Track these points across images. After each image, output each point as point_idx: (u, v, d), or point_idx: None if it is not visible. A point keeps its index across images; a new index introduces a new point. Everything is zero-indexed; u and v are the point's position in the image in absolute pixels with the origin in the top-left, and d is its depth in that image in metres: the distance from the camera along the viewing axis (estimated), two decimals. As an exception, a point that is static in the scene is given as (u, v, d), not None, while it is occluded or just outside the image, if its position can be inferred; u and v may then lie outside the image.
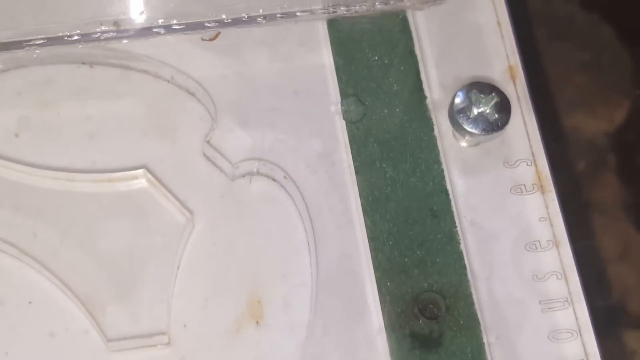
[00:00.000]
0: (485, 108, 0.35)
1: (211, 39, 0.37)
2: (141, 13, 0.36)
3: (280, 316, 0.33)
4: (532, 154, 0.36)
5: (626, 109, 0.47)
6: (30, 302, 0.33)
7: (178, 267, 0.34)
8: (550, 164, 0.36)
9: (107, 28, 0.36)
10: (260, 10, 0.37)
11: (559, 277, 0.33)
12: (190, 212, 0.34)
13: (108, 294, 0.33)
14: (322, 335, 0.32)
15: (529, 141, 0.36)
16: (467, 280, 0.33)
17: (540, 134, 0.36)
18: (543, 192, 0.35)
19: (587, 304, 0.33)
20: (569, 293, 0.33)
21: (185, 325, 0.33)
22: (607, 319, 0.40)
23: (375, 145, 0.35)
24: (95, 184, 0.35)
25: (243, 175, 0.36)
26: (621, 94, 0.48)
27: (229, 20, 0.37)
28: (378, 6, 0.37)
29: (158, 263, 0.34)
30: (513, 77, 0.37)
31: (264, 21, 0.37)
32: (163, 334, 0.32)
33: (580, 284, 0.33)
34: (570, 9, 0.49)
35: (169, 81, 0.37)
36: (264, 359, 0.32)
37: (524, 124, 0.36)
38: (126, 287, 0.33)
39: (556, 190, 0.35)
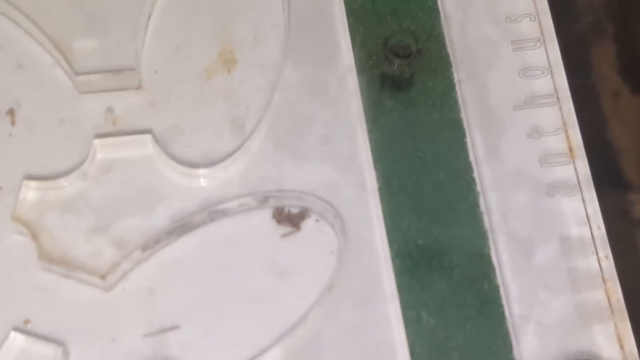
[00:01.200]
0: None
1: None
2: None
3: (252, 59, 0.33)
4: None
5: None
6: (-1, 46, 0.33)
7: (149, 17, 0.33)
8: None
9: None
10: None
11: (532, 19, 0.33)
12: (161, -36, 0.34)
13: (76, 29, 0.32)
14: (292, 72, 0.32)
15: None
16: (440, 24, 0.33)
17: None
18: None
19: (564, 73, 0.33)
20: (542, 34, 0.33)
21: (156, 72, 0.33)
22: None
23: None
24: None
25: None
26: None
27: None
28: None
29: (128, 10, 0.33)
30: None
31: None
32: (132, 69, 0.32)
33: (553, 23, 0.33)
34: None
35: None
36: (232, 97, 0.32)
37: None
38: (95, 25, 0.33)
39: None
